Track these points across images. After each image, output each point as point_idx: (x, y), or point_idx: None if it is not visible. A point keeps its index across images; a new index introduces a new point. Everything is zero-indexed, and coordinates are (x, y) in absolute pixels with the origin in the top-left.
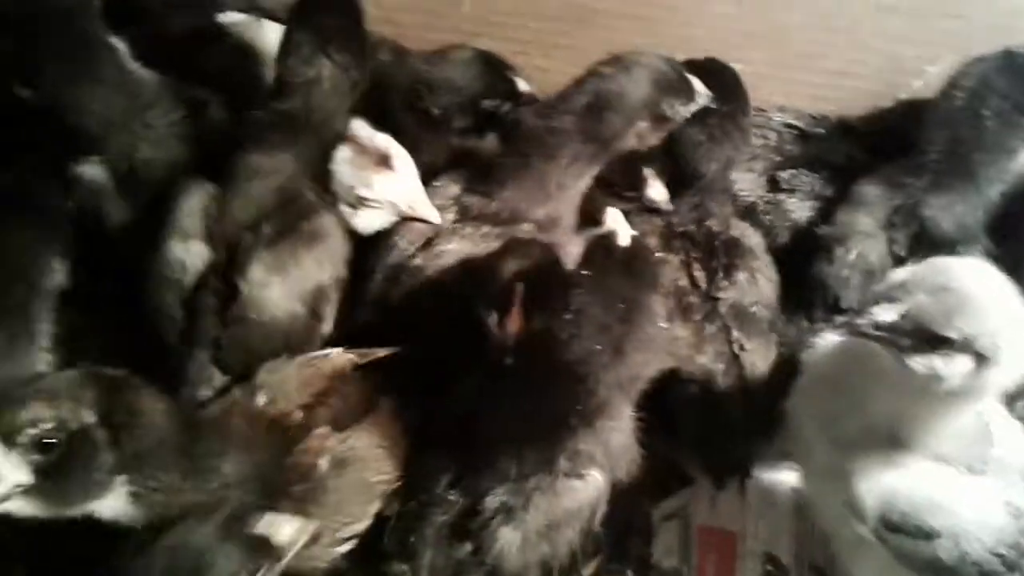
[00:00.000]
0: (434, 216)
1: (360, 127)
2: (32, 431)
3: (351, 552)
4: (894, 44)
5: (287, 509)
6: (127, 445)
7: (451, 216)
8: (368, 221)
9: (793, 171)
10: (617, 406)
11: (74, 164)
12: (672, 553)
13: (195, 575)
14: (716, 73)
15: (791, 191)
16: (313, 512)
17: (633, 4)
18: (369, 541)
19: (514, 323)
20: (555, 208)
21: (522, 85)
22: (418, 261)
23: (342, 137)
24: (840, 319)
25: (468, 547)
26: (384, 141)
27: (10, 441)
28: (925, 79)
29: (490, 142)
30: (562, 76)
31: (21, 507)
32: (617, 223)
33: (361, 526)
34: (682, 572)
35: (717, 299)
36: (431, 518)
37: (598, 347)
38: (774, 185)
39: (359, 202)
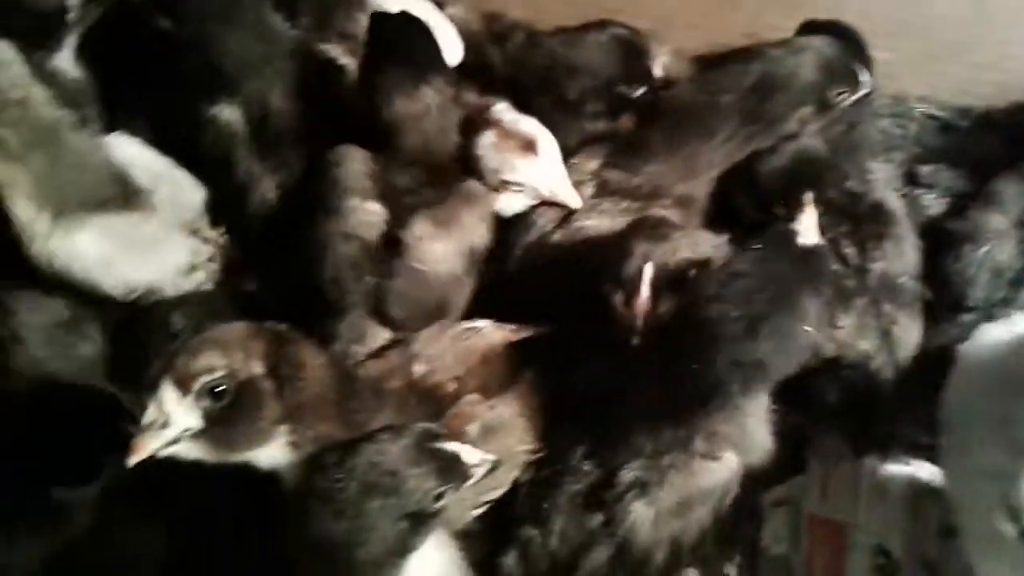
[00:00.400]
0: (575, 201)
1: (505, 111)
2: (205, 378)
3: (483, 515)
4: None
5: None
6: (290, 397)
7: (589, 191)
8: (509, 204)
9: (934, 166)
10: (754, 390)
11: (209, 104)
12: (781, 540)
13: (390, 494)
14: (840, 36)
15: (929, 187)
16: None
17: None
18: (500, 505)
19: (642, 305)
20: (695, 186)
21: (657, 70)
22: (557, 237)
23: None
24: None
25: (600, 518)
26: (529, 125)
27: (184, 387)
28: None
29: (623, 125)
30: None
31: (188, 451)
32: (810, 224)
33: (500, 492)
34: (791, 560)
35: (867, 270)
36: (565, 486)
37: (734, 314)
38: (911, 179)
39: (502, 186)
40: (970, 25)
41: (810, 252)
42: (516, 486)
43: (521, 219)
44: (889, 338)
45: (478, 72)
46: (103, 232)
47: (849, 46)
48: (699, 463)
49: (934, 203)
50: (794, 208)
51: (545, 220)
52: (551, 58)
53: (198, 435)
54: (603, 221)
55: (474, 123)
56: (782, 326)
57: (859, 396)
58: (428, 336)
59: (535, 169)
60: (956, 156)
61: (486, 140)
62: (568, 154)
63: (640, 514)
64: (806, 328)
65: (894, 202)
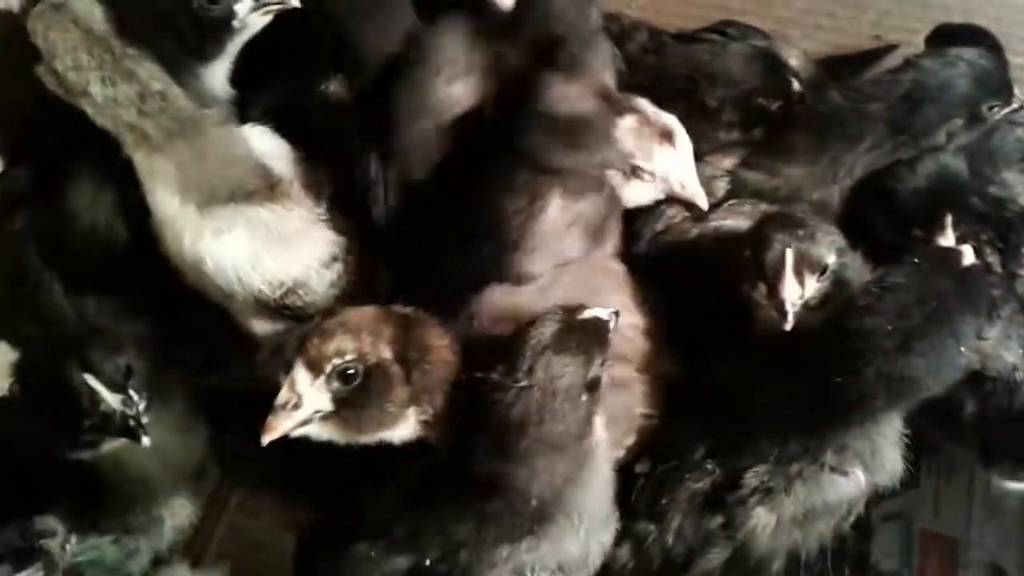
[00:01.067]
0: (702, 200)
1: (647, 104)
2: (335, 361)
3: None
4: None
5: None
6: (418, 380)
7: (722, 188)
8: (637, 194)
9: None
10: (898, 407)
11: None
12: (892, 555)
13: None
14: (976, 39)
15: None
16: None
17: None
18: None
19: (788, 289)
20: (832, 193)
21: (796, 85)
22: (695, 232)
23: None
24: None
25: (719, 519)
26: (669, 118)
27: (315, 369)
28: None
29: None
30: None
31: (319, 432)
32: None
33: (618, 454)
34: (902, 575)
35: (1016, 276)
36: (686, 483)
37: (888, 327)
38: None
39: (633, 172)
40: None
41: (972, 272)
42: (634, 475)
43: (649, 208)
44: None
45: None
46: (251, 228)
47: (989, 51)
48: (827, 476)
49: None
50: (934, 231)
51: (675, 210)
52: (691, 65)
53: (328, 417)
54: (740, 222)
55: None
56: (937, 344)
57: (999, 409)
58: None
59: (670, 160)
60: None
61: (625, 123)
62: (698, 156)
63: (762, 520)
64: (962, 349)
65: None
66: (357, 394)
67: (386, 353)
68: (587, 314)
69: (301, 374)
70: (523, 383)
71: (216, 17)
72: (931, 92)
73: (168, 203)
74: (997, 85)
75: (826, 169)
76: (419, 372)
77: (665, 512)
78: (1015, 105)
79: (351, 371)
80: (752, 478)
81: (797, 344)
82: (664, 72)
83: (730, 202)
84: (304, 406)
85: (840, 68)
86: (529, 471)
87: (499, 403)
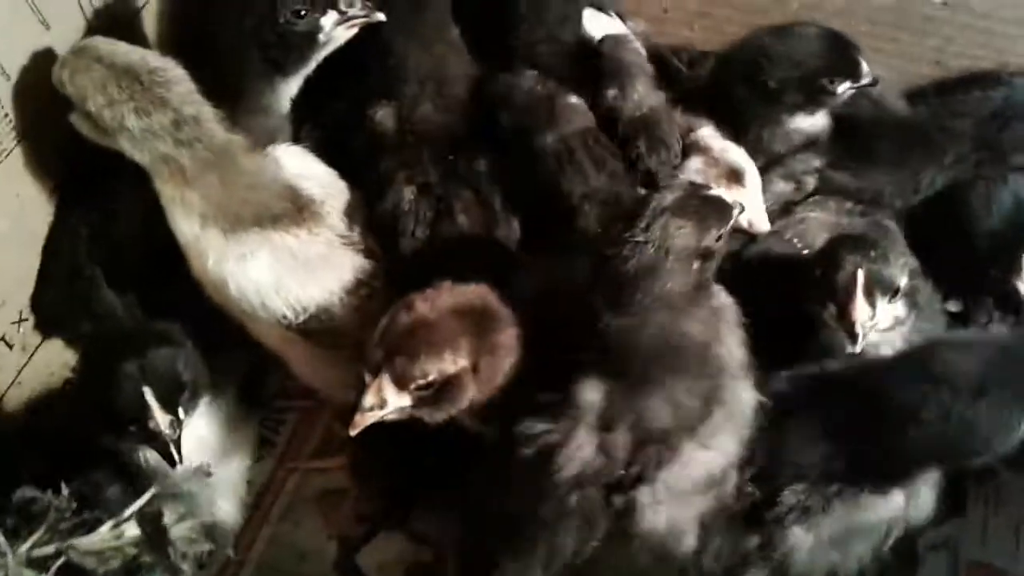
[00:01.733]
0: (766, 227)
1: (712, 136)
2: (421, 382)
3: None
4: None
5: None
6: (486, 375)
7: (811, 181)
8: None
9: None
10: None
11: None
12: None
13: None
14: None
15: None
16: None
17: (965, 13)
18: None
19: (859, 311)
20: (910, 201)
21: (866, 67)
22: (780, 223)
23: None
24: None
25: (756, 539)
26: (736, 155)
27: (401, 385)
28: None
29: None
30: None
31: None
32: None
33: None
34: None
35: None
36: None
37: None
38: None
39: None
40: None
41: None
42: None
43: None
44: None
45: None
46: (275, 254)
47: None
48: (866, 496)
49: None
50: (1011, 272)
51: None
52: (755, 48)
53: (404, 410)
54: (827, 216)
55: (666, 141)
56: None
57: None
58: None
59: (739, 201)
60: None
61: (692, 165)
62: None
63: (799, 539)
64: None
65: None
66: (435, 396)
67: (463, 363)
68: (713, 191)
69: (387, 385)
70: (639, 238)
71: (302, 31)
72: (1021, 110)
73: (191, 228)
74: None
75: (908, 179)
76: (488, 369)
77: (705, 532)
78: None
79: (432, 384)
80: (790, 496)
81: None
82: (734, 59)
83: (816, 197)
84: (387, 408)
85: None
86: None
87: (616, 257)
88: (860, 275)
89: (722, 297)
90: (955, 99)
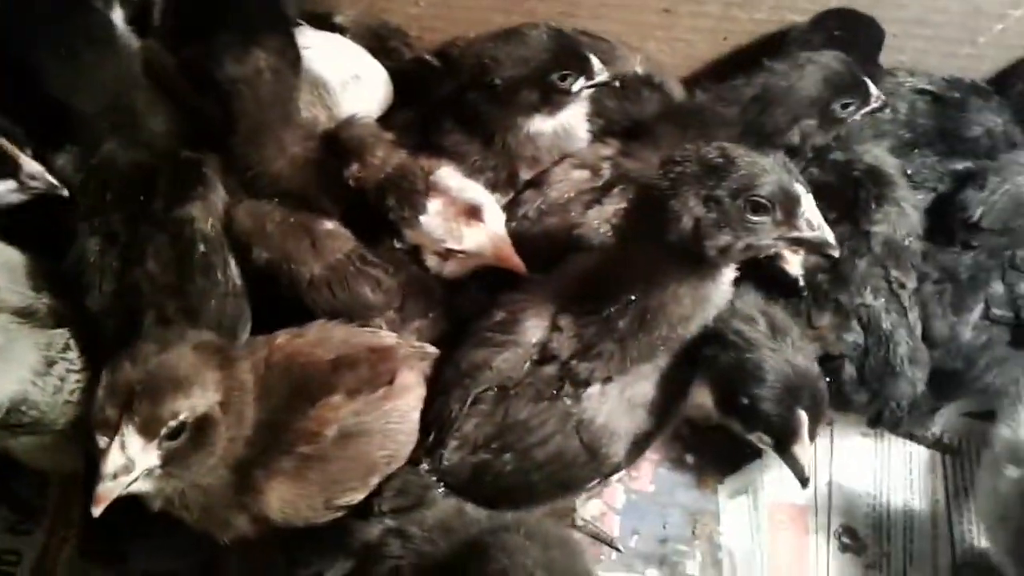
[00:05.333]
0: (520, 266)
1: (449, 176)
2: (172, 424)
3: None
4: None
5: (288, 468)
6: (233, 412)
7: (607, 172)
8: (455, 270)
9: (921, 161)
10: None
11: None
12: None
13: None
14: (853, 19)
15: (917, 185)
16: (312, 476)
17: None
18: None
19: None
20: None
21: (598, 65)
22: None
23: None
24: None
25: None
26: (474, 192)
27: (149, 434)
28: (1006, 23)
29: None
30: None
31: (143, 487)
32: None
33: (358, 496)
34: (754, 551)
35: (870, 233)
36: None
37: None
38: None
39: (448, 254)
40: None
41: None
42: None
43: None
44: (898, 300)
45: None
46: None
47: (864, 40)
48: None
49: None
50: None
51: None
52: (480, 50)
53: (153, 472)
54: (623, 204)
55: (415, 190)
56: None
57: (881, 367)
58: (323, 321)
59: (481, 236)
60: (951, 137)
61: (432, 208)
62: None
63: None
64: None
65: (889, 164)
66: (185, 446)
67: (215, 397)
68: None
69: (132, 439)
70: None
71: None
72: (778, 94)
73: None
74: (849, 84)
75: None
76: (238, 407)
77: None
78: (875, 104)
79: (182, 427)
80: None
81: None
82: (460, 67)
83: (617, 187)
84: (135, 469)
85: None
86: None
87: None
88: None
89: None
90: (725, 85)
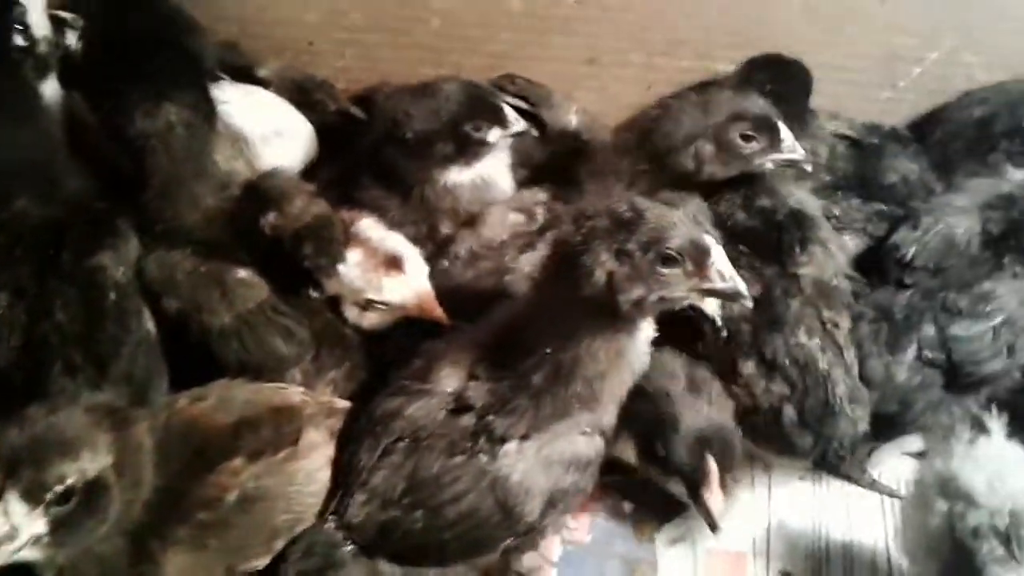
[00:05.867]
0: (443, 318)
1: (371, 227)
2: (57, 488)
3: None
4: (891, 34)
5: (186, 536)
6: (127, 476)
7: (541, 217)
8: (376, 321)
9: (847, 203)
10: None
11: None
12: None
13: None
14: (780, 66)
15: (843, 228)
16: (212, 544)
17: (596, 6)
18: None
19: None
20: None
21: (511, 112)
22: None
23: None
24: None
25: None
26: (394, 243)
27: (33, 500)
28: (924, 67)
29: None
30: None
31: (32, 555)
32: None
33: (261, 562)
34: None
35: (797, 275)
36: None
37: None
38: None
39: (368, 304)
40: (806, 27)
41: None
42: None
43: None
44: (831, 338)
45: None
46: None
47: (795, 88)
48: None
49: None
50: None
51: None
52: (393, 106)
53: (40, 539)
54: None
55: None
56: None
57: (820, 406)
58: (224, 382)
59: (402, 287)
60: (870, 183)
61: (352, 259)
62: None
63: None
64: None
65: (812, 207)
66: (75, 512)
67: (105, 461)
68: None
69: (15, 505)
70: None
71: None
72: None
73: None
74: (753, 120)
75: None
76: (133, 470)
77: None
78: (787, 155)
79: (71, 491)
80: None
81: None
82: (376, 122)
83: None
84: (19, 537)
85: None
86: None
87: None
88: (711, 463)
89: None
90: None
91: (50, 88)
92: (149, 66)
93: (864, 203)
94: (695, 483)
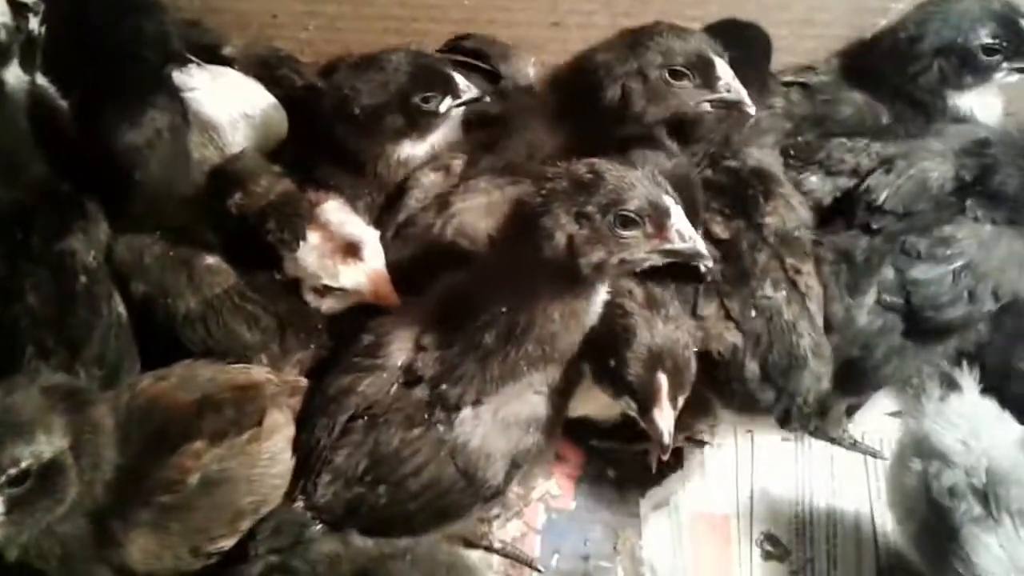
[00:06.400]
0: (396, 302)
1: (333, 210)
2: (11, 471)
3: None
4: None
5: (148, 519)
6: (88, 459)
7: (457, 169)
8: (333, 306)
9: (807, 140)
10: None
11: None
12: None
13: None
14: (739, 30)
15: (805, 167)
16: (174, 527)
17: None
18: None
19: (666, 418)
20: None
21: (463, 83)
22: (439, 224)
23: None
24: None
25: None
26: (353, 228)
27: None
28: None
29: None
30: None
31: None
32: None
33: (228, 542)
34: (676, 564)
35: (762, 225)
36: None
37: None
38: (788, 159)
39: (325, 290)
40: None
41: None
42: None
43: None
44: (797, 288)
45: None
46: None
47: (755, 52)
48: None
49: (818, 185)
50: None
51: (417, 198)
52: (340, 82)
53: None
54: (479, 200)
55: (297, 214)
56: None
57: (784, 360)
58: (188, 362)
59: (358, 274)
60: (827, 120)
61: (310, 241)
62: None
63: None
64: None
65: (773, 164)
66: (31, 492)
67: (60, 443)
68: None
69: None
70: None
71: None
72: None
73: None
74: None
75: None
76: (91, 451)
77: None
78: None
79: (26, 472)
80: None
81: None
82: (322, 102)
83: (467, 182)
84: None
85: None
86: None
87: None
88: (662, 380)
89: None
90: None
91: (12, 75)
92: (122, 72)
93: (822, 139)
94: (645, 400)
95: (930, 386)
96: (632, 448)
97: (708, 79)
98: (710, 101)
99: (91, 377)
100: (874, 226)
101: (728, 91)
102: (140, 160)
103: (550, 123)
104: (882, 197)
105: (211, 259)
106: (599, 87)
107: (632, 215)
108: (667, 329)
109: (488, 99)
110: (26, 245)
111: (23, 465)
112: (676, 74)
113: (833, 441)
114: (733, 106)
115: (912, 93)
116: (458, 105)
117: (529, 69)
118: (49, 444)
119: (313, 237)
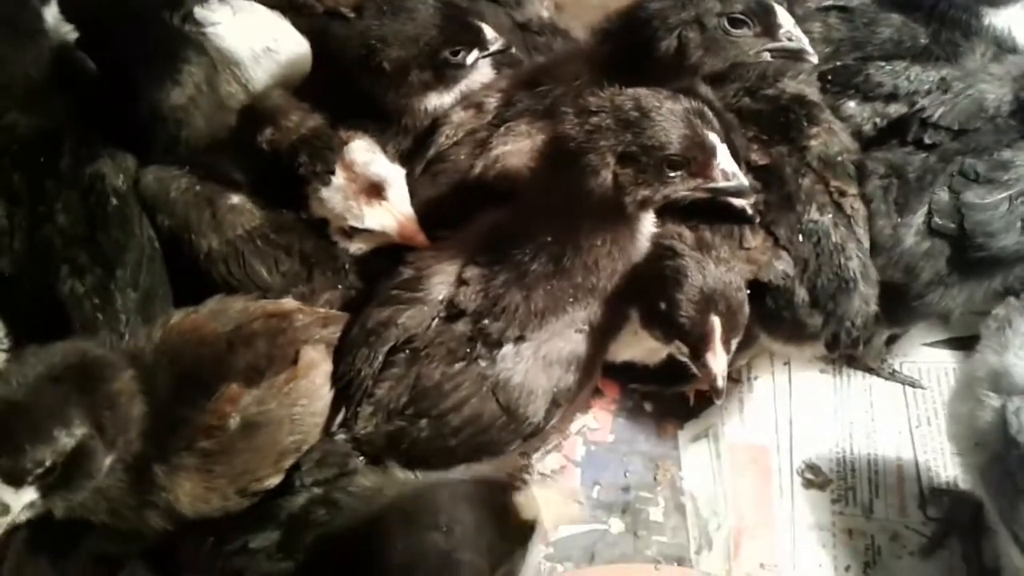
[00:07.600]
0: (424, 242)
1: (359, 149)
2: (36, 472)
3: None
4: None
5: (192, 463)
6: (110, 431)
7: (492, 107)
8: (361, 246)
9: (845, 64)
10: None
11: None
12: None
13: None
14: None
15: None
16: (218, 471)
17: None
18: None
19: (720, 362)
20: None
21: (491, 33)
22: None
23: None
24: None
25: None
26: (379, 168)
27: (16, 482)
28: None
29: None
30: None
31: (31, 512)
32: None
33: (274, 480)
34: (717, 494)
35: (806, 148)
36: None
37: None
38: (826, 86)
39: (352, 231)
40: None
41: None
42: None
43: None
44: (843, 210)
45: None
46: None
47: None
48: None
49: (857, 110)
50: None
51: (448, 133)
52: (366, 31)
53: (35, 503)
54: (521, 145)
55: (328, 147)
56: None
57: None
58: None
59: (383, 215)
60: (867, 44)
61: (335, 182)
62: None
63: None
64: None
65: (813, 93)
66: (62, 477)
67: (82, 430)
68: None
69: (2, 490)
70: None
71: None
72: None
73: None
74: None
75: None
76: (114, 423)
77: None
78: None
79: (53, 467)
80: None
81: None
82: (345, 49)
83: (506, 124)
84: (12, 511)
85: None
86: None
87: None
88: (716, 323)
89: None
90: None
91: (51, 13)
92: (144, 34)
93: (860, 62)
94: (697, 343)
95: (1017, 320)
96: (672, 390)
97: (769, 27)
98: (771, 50)
99: (126, 300)
100: (927, 141)
101: (790, 39)
102: (187, 117)
103: (598, 75)
104: (937, 113)
105: (236, 198)
106: (653, 38)
107: (678, 157)
108: (719, 271)
109: (513, 50)
110: (53, 168)
111: (47, 464)
112: (735, 22)
113: (871, 371)
114: (795, 55)
115: (947, 11)
116: (484, 56)
117: (543, 11)
118: (69, 437)
119: (339, 176)
